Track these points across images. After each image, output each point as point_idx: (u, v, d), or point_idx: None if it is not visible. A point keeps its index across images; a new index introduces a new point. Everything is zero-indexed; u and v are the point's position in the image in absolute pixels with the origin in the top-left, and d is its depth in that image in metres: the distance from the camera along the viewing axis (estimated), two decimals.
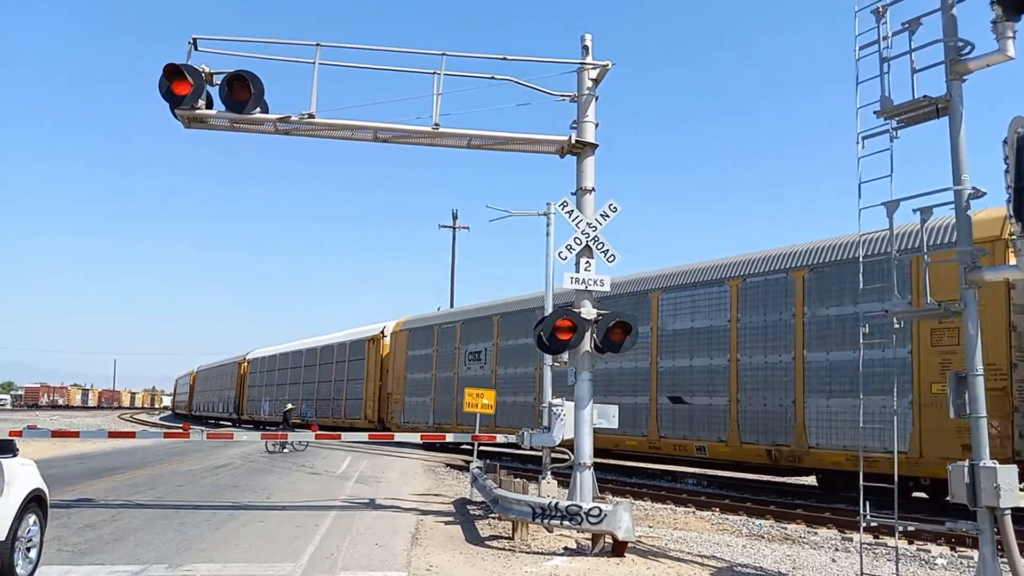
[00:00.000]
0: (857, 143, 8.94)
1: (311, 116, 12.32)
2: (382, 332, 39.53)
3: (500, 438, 16.24)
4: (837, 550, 11.84)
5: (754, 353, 18.76)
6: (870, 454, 15.75)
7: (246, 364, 63.82)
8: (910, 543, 12.36)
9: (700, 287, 20.57)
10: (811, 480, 20.38)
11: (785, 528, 13.85)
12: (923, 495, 16.31)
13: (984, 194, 8.13)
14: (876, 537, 12.65)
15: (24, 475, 8.00)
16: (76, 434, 16.20)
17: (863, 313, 9.08)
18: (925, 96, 8.34)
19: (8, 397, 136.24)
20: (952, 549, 12.04)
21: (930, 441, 15.17)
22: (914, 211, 8.39)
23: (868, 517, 8.87)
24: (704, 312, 20.29)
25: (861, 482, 9.45)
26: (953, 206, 8.27)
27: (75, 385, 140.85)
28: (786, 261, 18.46)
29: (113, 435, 16.50)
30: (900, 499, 17.57)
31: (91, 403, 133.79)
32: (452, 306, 44.79)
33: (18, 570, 7.61)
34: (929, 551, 11.82)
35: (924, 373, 15.44)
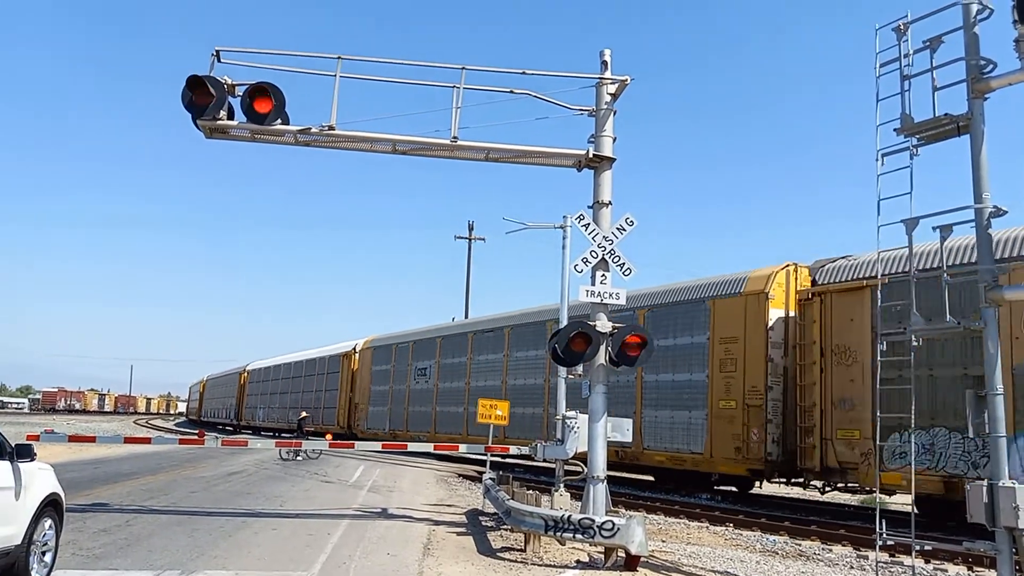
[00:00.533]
0: (876, 160, 8.93)
1: (331, 128, 12.41)
2: (354, 348, 43.46)
3: (513, 449, 16.23)
4: (852, 568, 11.73)
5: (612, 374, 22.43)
6: (681, 454, 20.69)
7: (246, 374, 66.58)
8: (927, 562, 12.24)
9: None
10: (830, 497, 20.46)
11: (799, 544, 13.74)
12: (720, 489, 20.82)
13: (1005, 212, 8.08)
14: (892, 556, 12.53)
15: (41, 479, 8.07)
16: (92, 439, 16.33)
17: (880, 333, 9.09)
18: (946, 114, 8.33)
19: (26, 401, 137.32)
20: (969, 569, 11.92)
21: (717, 445, 19.66)
22: (934, 229, 8.35)
23: (884, 535, 8.79)
24: None
25: (878, 502, 9.39)
26: (973, 224, 8.22)
27: (92, 390, 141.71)
28: (634, 302, 21.87)
29: (129, 440, 16.63)
30: (704, 488, 20.28)
31: (107, 408, 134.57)
32: (467, 317, 44.85)
33: (33, 573, 7.66)
34: (946, 571, 11.71)
35: (715, 393, 19.78)
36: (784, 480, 19.48)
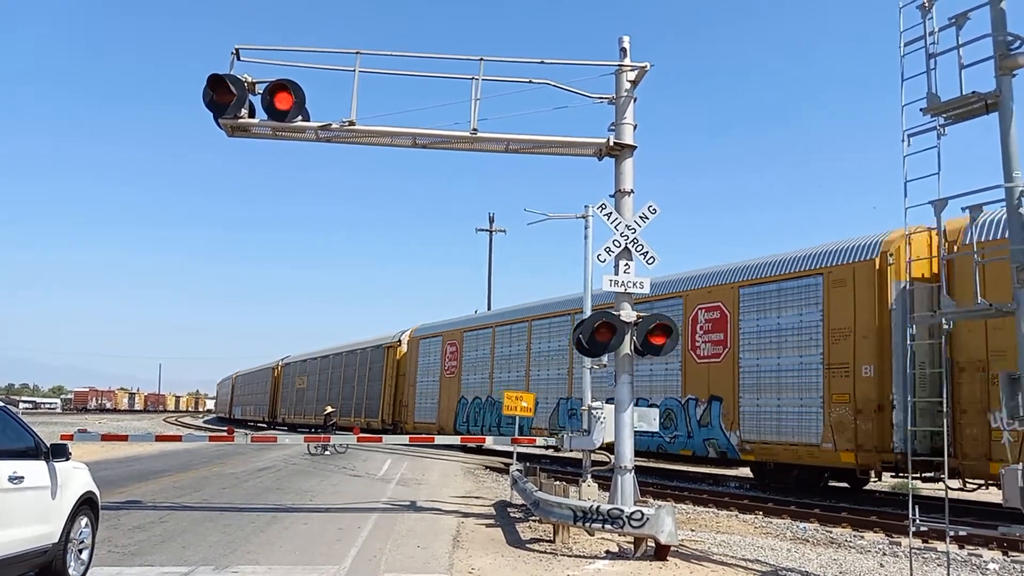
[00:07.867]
0: (903, 141, 8.79)
1: (352, 123, 12.42)
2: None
3: (539, 441, 16.24)
4: (885, 555, 11.62)
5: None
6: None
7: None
8: (961, 548, 12.10)
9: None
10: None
11: (830, 532, 13.64)
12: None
13: None
14: (925, 542, 12.39)
15: (76, 478, 8.18)
16: (125, 438, 16.51)
17: (912, 316, 8.97)
18: (974, 92, 8.17)
19: (58, 401, 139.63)
20: (1004, 554, 11.77)
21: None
22: (963, 209, 8.22)
23: (917, 521, 8.70)
24: None
25: (911, 485, 9.28)
26: (1004, 203, 8.08)
27: (122, 389, 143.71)
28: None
29: (160, 439, 16.81)
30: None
31: (137, 406, 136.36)
32: (489, 308, 44.92)
33: (71, 571, 7.78)
34: (980, 556, 11.56)
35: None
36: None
